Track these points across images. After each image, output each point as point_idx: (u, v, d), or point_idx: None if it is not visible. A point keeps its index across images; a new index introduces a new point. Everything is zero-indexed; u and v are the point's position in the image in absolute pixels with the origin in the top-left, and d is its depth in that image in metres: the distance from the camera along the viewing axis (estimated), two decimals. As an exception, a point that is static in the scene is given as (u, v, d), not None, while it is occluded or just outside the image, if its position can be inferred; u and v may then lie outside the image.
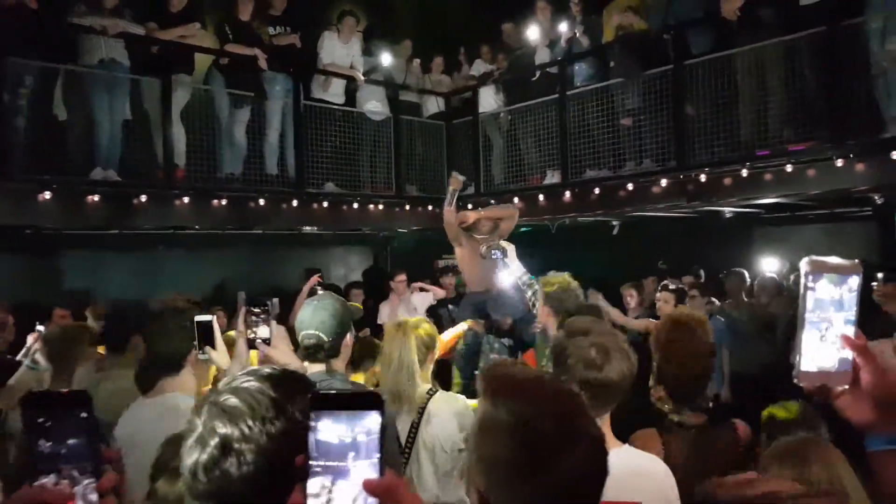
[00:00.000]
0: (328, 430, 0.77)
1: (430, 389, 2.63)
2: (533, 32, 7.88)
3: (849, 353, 0.94)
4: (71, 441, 0.85)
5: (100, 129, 5.85)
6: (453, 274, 7.25)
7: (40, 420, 0.85)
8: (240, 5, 6.74)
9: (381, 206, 7.83)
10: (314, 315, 2.34)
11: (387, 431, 0.80)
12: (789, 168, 5.75)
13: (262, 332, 2.11)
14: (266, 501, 0.87)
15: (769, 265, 7.81)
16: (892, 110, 5.05)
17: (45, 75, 5.72)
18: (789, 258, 7.95)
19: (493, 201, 7.75)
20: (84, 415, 0.85)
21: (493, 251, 3.99)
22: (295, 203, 7.05)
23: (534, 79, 7.81)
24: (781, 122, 5.76)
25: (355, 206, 7.64)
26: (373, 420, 0.77)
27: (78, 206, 5.86)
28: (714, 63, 6.15)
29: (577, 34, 7.31)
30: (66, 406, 0.86)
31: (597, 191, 7.28)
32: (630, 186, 6.94)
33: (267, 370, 1.04)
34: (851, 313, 0.94)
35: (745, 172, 6.06)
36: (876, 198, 6.72)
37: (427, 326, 2.75)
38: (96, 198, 5.94)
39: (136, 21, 6.13)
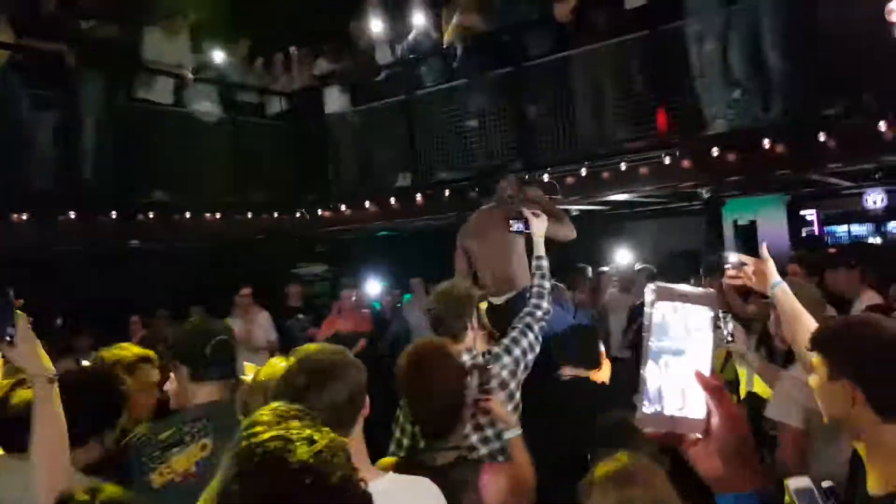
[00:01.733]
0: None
1: None
2: (373, 30, 7.67)
3: (701, 396, 0.79)
4: None
5: None
6: (300, 284, 6.89)
7: None
8: (42, -6, 5.97)
9: (218, 215, 7.23)
10: None
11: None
12: (623, 166, 5.92)
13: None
14: None
15: (621, 258, 8.08)
16: (711, 109, 5.33)
17: None
18: (636, 252, 8.32)
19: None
20: None
21: (515, 223, 3.11)
22: (114, 215, 6.32)
23: (378, 79, 7.62)
24: (616, 122, 5.94)
25: (188, 215, 6.98)
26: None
27: None
28: (552, 65, 6.25)
29: (415, 37, 7.19)
30: None
31: (447, 192, 7.19)
32: (478, 188, 6.90)
33: None
34: (706, 349, 0.81)
35: (584, 171, 6.19)
36: (703, 192, 7.13)
37: None
38: None
39: None
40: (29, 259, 6.68)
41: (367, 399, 1.63)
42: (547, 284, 2.83)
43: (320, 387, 1.49)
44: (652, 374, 0.80)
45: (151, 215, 6.63)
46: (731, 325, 2.65)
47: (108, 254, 7.27)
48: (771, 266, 2.17)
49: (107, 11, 6.56)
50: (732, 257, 2.22)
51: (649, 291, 0.81)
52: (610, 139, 6.03)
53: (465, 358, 2.43)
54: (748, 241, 8.60)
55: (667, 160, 5.70)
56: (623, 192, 6.66)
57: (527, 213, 3.07)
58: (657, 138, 5.65)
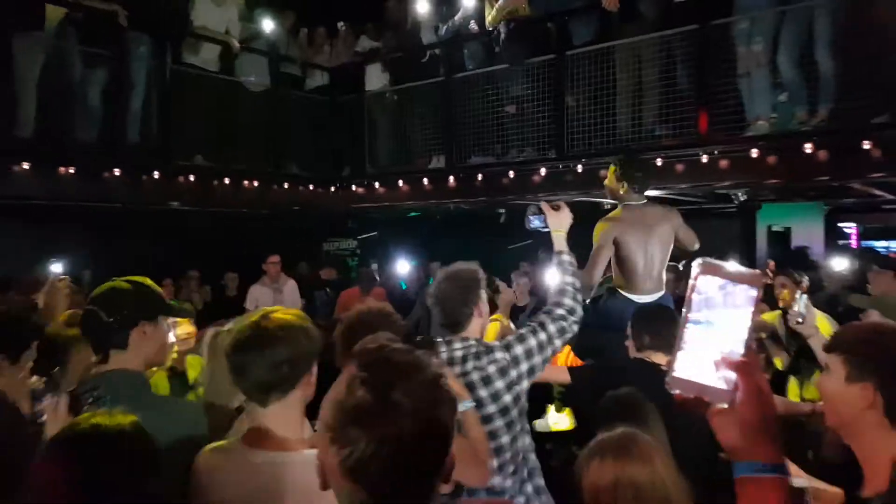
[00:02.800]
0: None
1: None
2: (418, 10, 7.68)
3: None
4: None
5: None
6: (334, 262, 7.00)
7: None
8: (99, -45, 6.11)
9: (255, 184, 7.37)
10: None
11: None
12: (660, 162, 5.87)
13: None
14: None
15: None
16: (754, 111, 5.25)
17: None
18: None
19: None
20: None
21: (533, 219, 2.73)
22: (157, 175, 6.49)
23: (423, 60, 7.63)
24: (654, 117, 5.89)
25: (227, 181, 7.14)
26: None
27: None
28: (594, 55, 6.19)
29: (462, 20, 7.17)
30: None
31: (480, 177, 7.21)
32: (511, 174, 6.92)
33: None
34: (744, 328, 0.84)
35: (619, 165, 6.13)
36: (739, 194, 7.04)
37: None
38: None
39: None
40: (71, 212, 6.91)
41: (313, 368, 1.63)
42: (570, 280, 2.54)
43: (262, 347, 1.54)
44: (688, 341, 0.85)
45: (192, 178, 6.78)
46: (803, 305, 2.54)
47: (147, 212, 7.46)
48: None
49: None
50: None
51: (696, 265, 0.85)
52: (647, 133, 5.97)
53: (457, 346, 2.33)
54: (782, 248, 8.46)
55: (704, 159, 5.65)
56: (656, 189, 6.60)
57: (545, 206, 2.70)
58: (695, 136, 5.58)
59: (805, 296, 2.59)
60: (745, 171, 5.55)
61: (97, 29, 6.08)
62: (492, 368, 2.30)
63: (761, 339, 3.66)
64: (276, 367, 1.53)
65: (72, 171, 5.95)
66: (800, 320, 2.50)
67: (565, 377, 3.03)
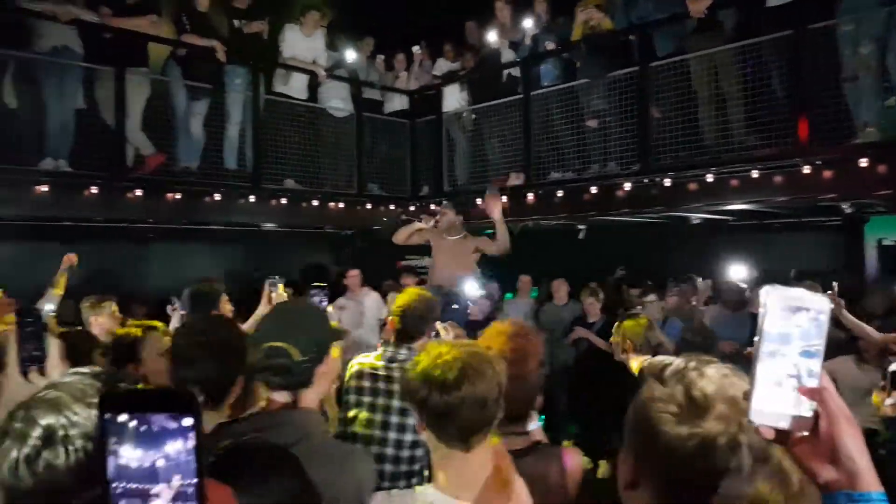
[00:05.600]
0: (129, 444, 0.60)
1: None
2: (494, 32, 7.77)
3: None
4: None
5: (51, 118, 5.65)
6: (414, 274, 7.10)
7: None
8: (199, -6, 6.57)
9: (341, 205, 7.65)
10: (283, 324, 1.71)
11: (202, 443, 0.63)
12: (755, 174, 5.64)
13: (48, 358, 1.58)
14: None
15: (736, 274, 7.71)
16: (861, 117, 4.97)
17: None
18: (758, 267, 7.86)
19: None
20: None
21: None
22: (252, 199, 6.86)
23: (503, 81, 7.69)
24: (747, 127, 5.67)
25: (315, 203, 7.45)
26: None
27: (25, 195, 5.64)
28: (679, 65, 6.06)
29: (540, 36, 7.19)
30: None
31: (560, 193, 7.15)
32: (594, 190, 6.83)
33: (86, 370, 0.97)
34: (817, 355, 0.84)
35: (710, 178, 5.96)
36: (845, 207, 6.63)
37: None
38: (45, 188, 5.73)
39: (89, 8, 5.95)
40: (177, 232, 7.42)
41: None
42: None
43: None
44: (763, 372, 0.84)
45: (283, 201, 7.12)
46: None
47: (242, 232, 7.89)
48: None
49: (253, 10, 7.11)
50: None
51: (763, 293, 0.85)
52: (738, 145, 5.75)
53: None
54: (894, 263, 7.88)
55: (806, 169, 5.38)
56: (751, 203, 6.33)
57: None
58: (792, 145, 5.32)
59: None
60: (852, 182, 5.27)
61: (197, 64, 6.53)
62: None
63: None
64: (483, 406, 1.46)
65: (178, 196, 6.37)
66: None
67: None
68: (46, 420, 0.86)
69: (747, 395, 0.85)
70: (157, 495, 0.61)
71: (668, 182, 6.30)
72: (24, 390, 1.40)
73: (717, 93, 5.88)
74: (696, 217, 7.86)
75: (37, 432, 0.85)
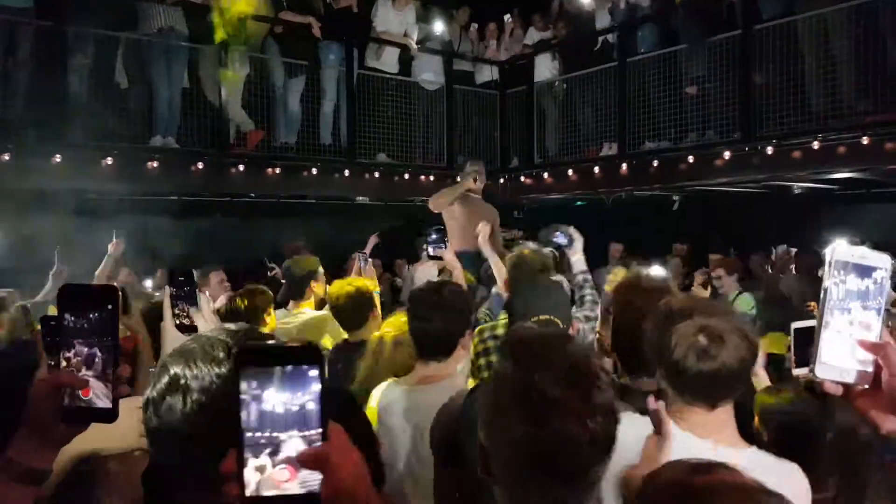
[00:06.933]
0: (260, 390, 0.68)
1: None
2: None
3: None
4: (93, 317, 0.97)
5: (159, 98, 5.98)
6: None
7: (71, 304, 0.98)
8: (295, -27, 6.72)
9: (432, 178, 7.75)
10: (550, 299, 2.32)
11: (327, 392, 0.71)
12: (865, 141, 5.35)
13: (200, 313, 1.76)
14: (206, 448, 0.81)
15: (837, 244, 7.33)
16: None
17: (106, 43, 5.85)
18: (865, 238, 7.47)
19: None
20: (109, 306, 0.97)
21: (558, 233, 3.26)
22: (347, 173, 7.07)
23: (596, 48, 7.53)
24: (857, 92, 5.37)
25: (406, 176, 7.59)
26: (312, 376, 0.69)
27: (137, 172, 6.01)
28: (784, 28, 5.79)
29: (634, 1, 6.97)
30: (97, 297, 0.98)
31: (655, 163, 7.00)
32: (691, 159, 6.65)
33: (232, 326, 1.05)
34: (878, 310, 0.87)
35: (816, 145, 5.70)
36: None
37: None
38: (155, 164, 6.08)
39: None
40: (278, 207, 7.73)
41: None
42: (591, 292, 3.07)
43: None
44: (826, 328, 0.87)
45: (376, 175, 7.29)
46: None
47: (337, 206, 8.13)
48: None
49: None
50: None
51: (829, 251, 0.87)
52: (847, 111, 5.45)
53: None
54: None
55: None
56: (859, 172, 6.02)
57: (575, 232, 3.23)
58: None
59: None
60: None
61: (294, 41, 6.72)
62: None
63: None
64: None
65: (277, 171, 6.65)
66: None
67: None
68: (174, 369, 0.94)
69: (809, 351, 0.89)
70: (286, 440, 0.69)
71: (770, 150, 6.06)
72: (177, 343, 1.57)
73: (827, 56, 5.58)
74: (798, 186, 7.52)
75: (164, 379, 0.95)
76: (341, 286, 3.02)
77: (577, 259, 3.18)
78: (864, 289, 0.87)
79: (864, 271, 0.87)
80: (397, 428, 2.03)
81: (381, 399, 2.14)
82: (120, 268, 4.85)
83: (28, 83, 5.43)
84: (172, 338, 1.73)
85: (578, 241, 3.20)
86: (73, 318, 0.97)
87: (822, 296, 0.87)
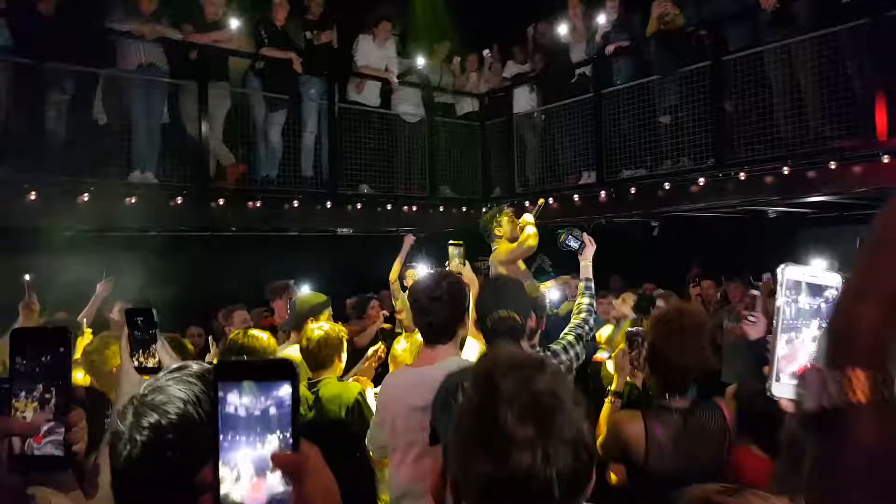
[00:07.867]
0: (236, 402, 0.72)
1: None
2: (565, 31, 7.77)
3: None
4: (45, 360, 0.96)
5: (138, 132, 6.00)
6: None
7: (23, 348, 0.97)
8: (275, 9, 6.82)
9: (414, 208, 7.81)
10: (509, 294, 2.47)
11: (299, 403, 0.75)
12: (833, 165, 5.50)
13: (157, 356, 1.59)
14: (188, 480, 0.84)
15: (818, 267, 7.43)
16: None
17: (85, 80, 5.88)
18: (838, 260, 7.60)
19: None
20: (61, 349, 0.97)
21: (571, 238, 3.21)
22: (329, 205, 7.09)
23: (572, 81, 7.70)
24: (823, 118, 5.53)
25: (389, 207, 7.64)
26: (285, 390, 0.73)
27: (116, 207, 5.97)
28: (752, 59, 5.97)
29: (611, 33, 7.16)
30: (48, 340, 0.98)
31: (633, 190, 7.11)
32: (667, 185, 6.76)
33: (195, 366, 1.03)
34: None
35: (786, 170, 5.83)
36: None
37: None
38: (133, 199, 6.05)
39: (173, 25, 6.27)
40: (258, 239, 7.70)
41: None
42: (591, 301, 3.02)
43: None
44: (782, 349, 0.87)
45: (359, 206, 7.33)
46: None
47: (321, 238, 8.12)
48: None
49: (327, 22, 7.33)
50: None
51: (780, 272, 0.87)
52: (814, 136, 5.62)
53: None
54: None
55: (885, 159, 5.21)
56: (830, 195, 6.16)
57: (587, 238, 3.22)
58: (872, 136, 5.16)
59: None
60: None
61: (275, 75, 6.79)
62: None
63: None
64: None
65: (258, 204, 6.65)
66: None
67: None
68: (152, 419, 0.96)
69: (768, 372, 0.87)
70: (259, 451, 0.72)
71: (742, 175, 6.20)
72: (136, 386, 1.43)
73: (793, 84, 5.76)
74: (772, 210, 7.68)
75: (144, 434, 0.96)
76: (313, 330, 3.10)
77: (585, 265, 3.19)
78: (815, 307, 0.87)
79: (816, 290, 0.87)
80: (399, 403, 2.31)
81: (390, 380, 2.55)
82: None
83: (4, 119, 5.43)
84: (131, 381, 1.61)
85: (590, 248, 3.22)
86: (23, 362, 0.96)
87: (775, 319, 0.87)
